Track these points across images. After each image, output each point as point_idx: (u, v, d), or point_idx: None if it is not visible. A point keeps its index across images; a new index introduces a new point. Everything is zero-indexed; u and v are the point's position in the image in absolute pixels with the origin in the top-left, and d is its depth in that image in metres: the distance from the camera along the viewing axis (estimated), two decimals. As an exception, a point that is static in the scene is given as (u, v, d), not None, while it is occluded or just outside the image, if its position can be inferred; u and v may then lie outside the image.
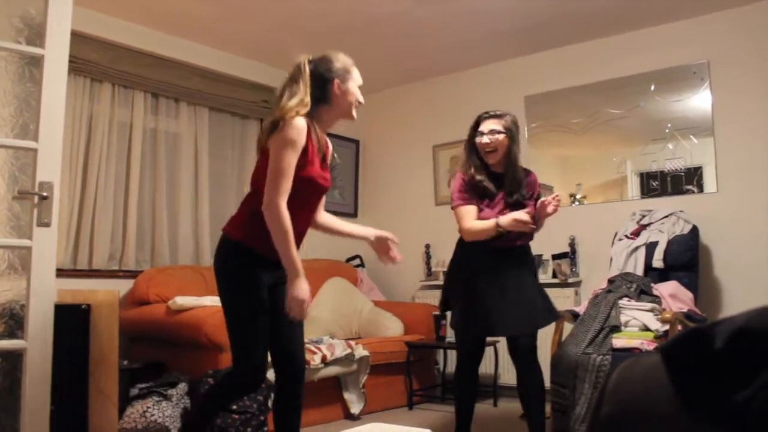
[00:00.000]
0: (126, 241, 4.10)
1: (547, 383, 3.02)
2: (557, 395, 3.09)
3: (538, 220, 2.76)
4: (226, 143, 4.76)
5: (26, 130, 2.23)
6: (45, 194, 2.14)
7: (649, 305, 3.28)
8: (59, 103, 2.22)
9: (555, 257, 4.45)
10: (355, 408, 3.94)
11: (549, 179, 4.49)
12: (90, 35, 3.85)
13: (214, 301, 3.59)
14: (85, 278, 3.81)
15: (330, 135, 2.41)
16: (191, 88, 4.46)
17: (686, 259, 3.69)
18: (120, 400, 2.94)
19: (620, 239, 3.99)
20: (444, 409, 4.11)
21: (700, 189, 4.10)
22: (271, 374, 2.37)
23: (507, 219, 2.71)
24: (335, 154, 2.46)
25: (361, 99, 2.33)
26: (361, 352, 3.98)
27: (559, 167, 4.77)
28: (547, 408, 3.01)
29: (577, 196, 4.59)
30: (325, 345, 3.80)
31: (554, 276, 4.46)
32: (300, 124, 2.12)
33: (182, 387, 3.34)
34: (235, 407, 3.15)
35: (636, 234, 3.92)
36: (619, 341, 3.11)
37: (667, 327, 3.11)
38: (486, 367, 4.09)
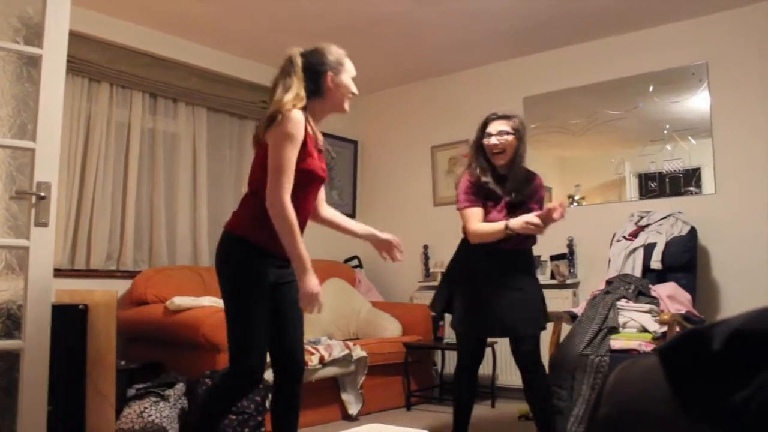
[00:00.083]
0: (124, 241, 4.09)
1: (546, 384, 3.02)
2: (555, 396, 3.09)
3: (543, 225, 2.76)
4: (225, 143, 4.76)
5: (24, 130, 2.23)
6: (42, 194, 2.14)
7: (648, 306, 3.29)
8: (57, 103, 2.22)
9: (553, 258, 4.45)
10: (353, 409, 3.94)
11: (548, 180, 4.43)
12: (88, 35, 3.85)
13: (212, 301, 3.60)
14: (83, 278, 3.81)
15: (328, 135, 2.40)
16: (189, 88, 4.46)
17: (684, 261, 3.69)
18: (117, 401, 2.94)
19: (618, 240, 3.99)
20: (442, 410, 4.10)
21: (699, 190, 4.10)
22: (268, 374, 2.36)
23: (518, 222, 2.68)
24: (329, 148, 2.45)
25: (355, 90, 2.29)
26: (359, 352, 3.98)
27: (558, 168, 4.77)
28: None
29: (576, 197, 4.59)
30: (323, 346, 3.80)
31: (552, 277, 4.46)
32: (298, 117, 2.11)
33: (180, 387, 3.34)
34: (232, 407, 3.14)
35: (634, 235, 3.92)
36: (617, 342, 3.12)
37: (665, 328, 3.11)
38: (484, 368, 4.07)
